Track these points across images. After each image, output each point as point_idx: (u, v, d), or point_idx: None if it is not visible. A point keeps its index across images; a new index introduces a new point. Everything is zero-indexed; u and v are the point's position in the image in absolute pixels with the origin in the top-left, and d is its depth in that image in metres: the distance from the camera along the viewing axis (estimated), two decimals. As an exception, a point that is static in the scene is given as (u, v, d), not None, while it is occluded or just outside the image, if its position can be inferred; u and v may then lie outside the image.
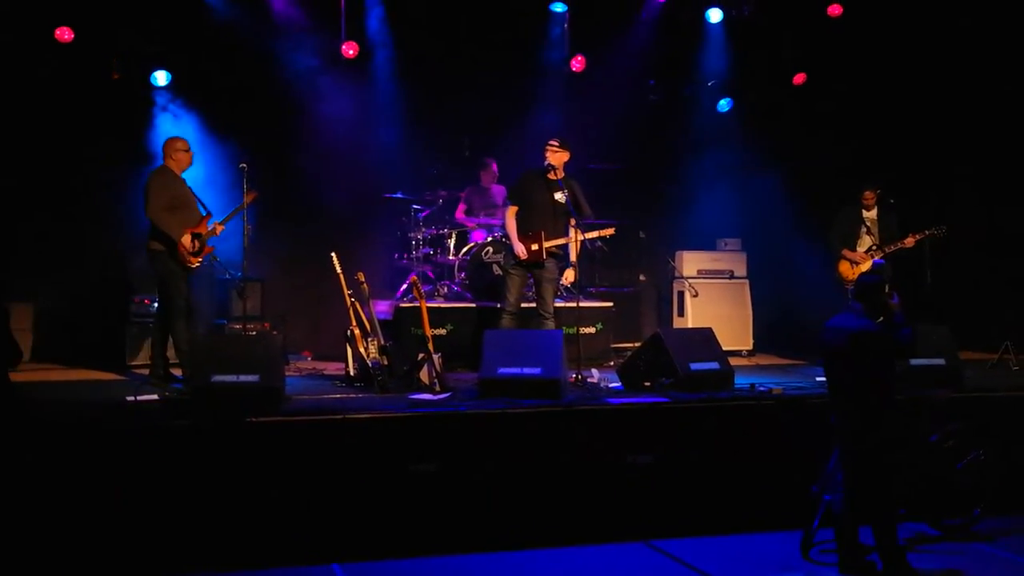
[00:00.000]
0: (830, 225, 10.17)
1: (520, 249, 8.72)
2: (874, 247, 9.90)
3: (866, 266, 9.85)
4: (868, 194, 10.06)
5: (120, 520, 6.06)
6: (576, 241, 8.72)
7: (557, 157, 8.73)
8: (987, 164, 11.58)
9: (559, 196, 8.72)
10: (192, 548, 6.14)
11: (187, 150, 8.58)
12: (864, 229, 10.01)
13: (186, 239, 8.22)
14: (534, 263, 8.79)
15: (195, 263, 8.32)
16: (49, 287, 10.29)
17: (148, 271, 8.67)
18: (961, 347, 8.48)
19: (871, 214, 10.07)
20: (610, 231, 9.04)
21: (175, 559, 6.09)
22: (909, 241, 9.74)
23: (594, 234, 9.07)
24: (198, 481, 6.22)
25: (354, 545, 6.39)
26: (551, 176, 8.73)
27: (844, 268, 9.99)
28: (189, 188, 8.56)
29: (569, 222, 8.72)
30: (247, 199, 8.53)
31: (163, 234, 8.24)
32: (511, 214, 8.86)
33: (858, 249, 9.99)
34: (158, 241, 8.30)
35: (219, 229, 8.52)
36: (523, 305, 9.03)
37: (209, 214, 8.54)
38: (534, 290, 8.99)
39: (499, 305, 8.96)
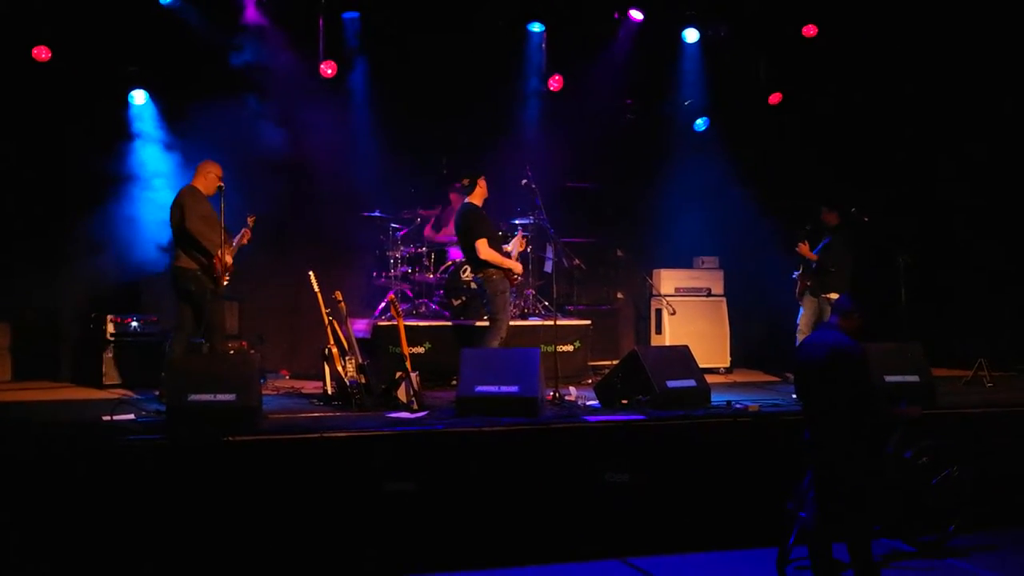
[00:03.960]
0: None
1: (520, 267, 9.16)
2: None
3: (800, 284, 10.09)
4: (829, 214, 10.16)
5: (95, 539, 6.03)
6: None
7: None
8: (965, 182, 11.69)
9: None
10: (167, 567, 6.11)
11: (220, 176, 8.55)
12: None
13: (225, 254, 8.23)
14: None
15: (225, 282, 8.29)
16: (25, 306, 10.26)
17: (169, 291, 8.63)
18: (935, 364, 8.53)
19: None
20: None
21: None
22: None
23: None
24: (174, 500, 6.19)
25: (330, 563, 6.38)
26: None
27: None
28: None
29: None
30: (248, 227, 8.68)
31: (197, 252, 8.23)
32: (486, 245, 8.88)
33: None
34: (190, 258, 8.27)
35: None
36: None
37: (231, 234, 8.59)
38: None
39: (492, 333, 8.86)
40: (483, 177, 9.04)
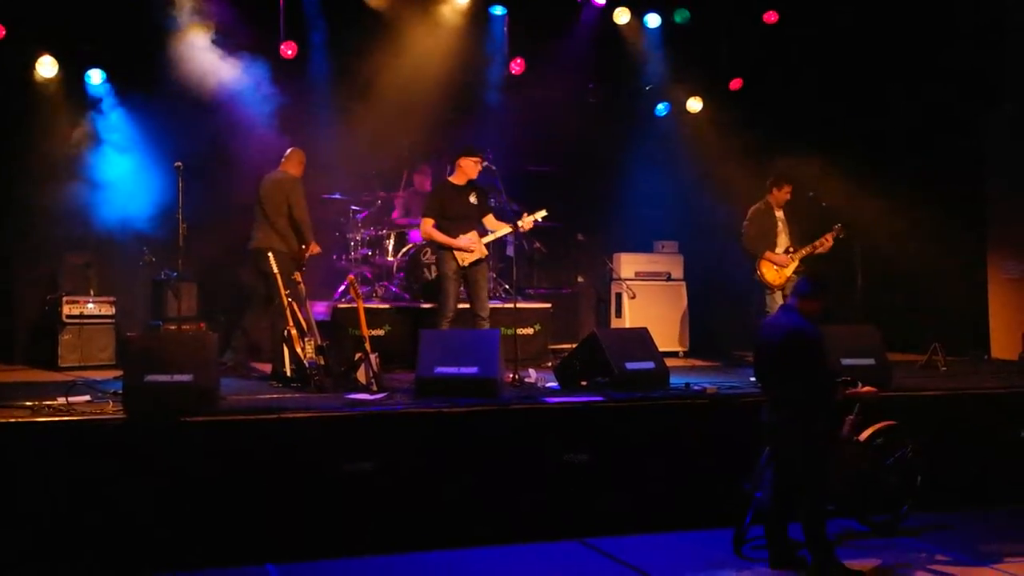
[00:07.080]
0: (744, 226, 10.08)
1: (467, 244, 8.84)
2: (790, 248, 9.87)
3: (791, 269, 9.78)
4: (787, 188, 9.94)
5: (50, 522, 5.99)
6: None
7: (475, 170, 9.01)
8: (923, 168, 11.78)
9: (472, 199, 9.04)
10: (123, 549, 6.08)
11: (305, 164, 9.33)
12: (779, 228, 9.99)
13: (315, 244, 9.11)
14: (475, 262, 8.86)
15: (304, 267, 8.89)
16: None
17: (250, 268, 9.20)
18: (891, 349, 8.62)
19: (780, 213, 9.96)
20: (543, 212, 9.21)
21: (106, 560, 6.03)
22: (827, 240, 9.73)
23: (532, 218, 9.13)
24: (130, 481, 6.15)
25: (289, 545, 6.36)
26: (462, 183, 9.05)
27: (770, 274, 9.79)
28: None
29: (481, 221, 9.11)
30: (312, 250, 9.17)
31: (291, 236, 8.90)
32: (429, 225, 8.91)
33: (777, 250, 9.85)
34: (282, 242, 8.87)
35: None
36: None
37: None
38: (468, 293, 9.00)
39: (438, 312, 8.97)
40: (465, 156, 8.96)
